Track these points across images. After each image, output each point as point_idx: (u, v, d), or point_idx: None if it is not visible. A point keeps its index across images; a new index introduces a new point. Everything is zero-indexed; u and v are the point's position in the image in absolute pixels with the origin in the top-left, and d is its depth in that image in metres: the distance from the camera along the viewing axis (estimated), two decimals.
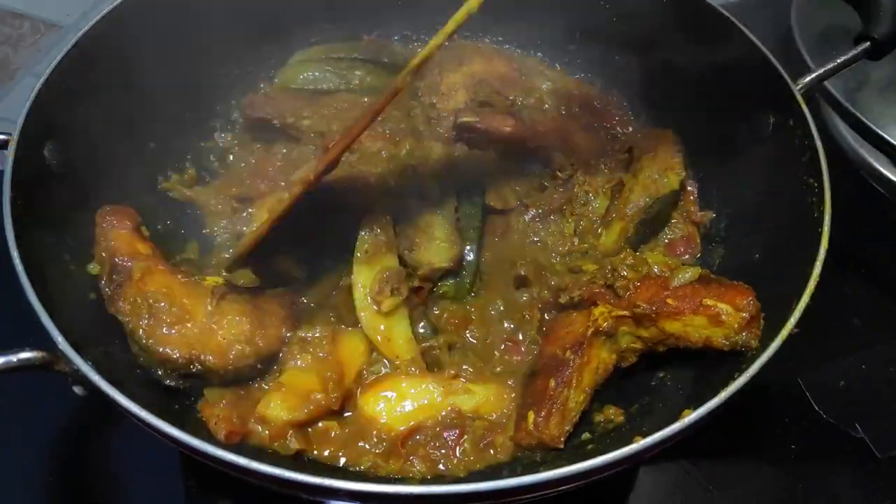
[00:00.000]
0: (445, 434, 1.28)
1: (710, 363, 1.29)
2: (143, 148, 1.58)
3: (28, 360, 1.02)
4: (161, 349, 1.22)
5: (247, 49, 1.77)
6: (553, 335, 1.36)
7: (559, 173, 1.59)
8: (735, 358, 1.21)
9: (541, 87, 1.77)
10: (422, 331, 1.44)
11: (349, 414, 1.32)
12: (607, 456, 0.96)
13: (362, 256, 1.43)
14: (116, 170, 1.49)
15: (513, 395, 1.34)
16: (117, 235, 1.32)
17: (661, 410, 1.27)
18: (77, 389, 1.08)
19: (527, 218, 1.58)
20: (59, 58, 1.37)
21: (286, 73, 1.78)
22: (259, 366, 1.31)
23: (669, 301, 1.26)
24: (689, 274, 1.29)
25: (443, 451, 1.27)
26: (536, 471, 0.96)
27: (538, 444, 1.24)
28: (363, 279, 1.41)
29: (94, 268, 1.33)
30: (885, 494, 1.52)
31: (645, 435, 1.03)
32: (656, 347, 1.30)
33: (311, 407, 1.25)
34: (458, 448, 1.27)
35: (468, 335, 1.45)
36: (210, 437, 1.14)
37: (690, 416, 1.02)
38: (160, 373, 1.26)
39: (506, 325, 1.45)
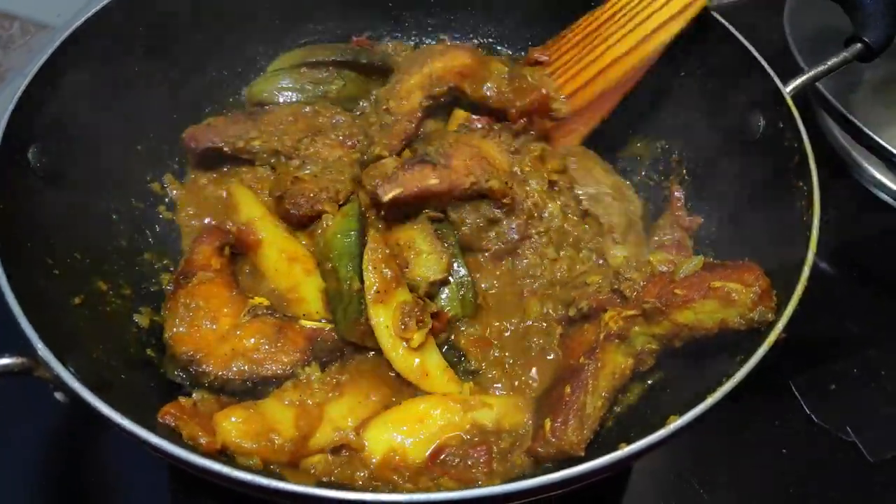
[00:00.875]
0: (473, 452, 1.26)
1: (699, 365, 1.29)
2: (130, 150, 1.57)
3: (7, 366, 1.01)
4: (174, 343, 1.31)
5: (234, 50, 1.76)
6: (570, 349, 1.36)
7: (503, 200, 1.48)
8: (725, 358, 1.20)
9: (500, 74, 1.65)
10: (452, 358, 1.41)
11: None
12: (590, 464, 0.96)
13: (375, 297, 1.35)
14: (102, 172, 1.49)
15: (531, 405, 1.33)
16: (202, 249, 1.44)
17: (650, 415, 1.26)
18: (59, 396, 1.07)
19: (500, 260, 1.52)
20: (41, 61, 1.37)
21: (258, 86, 1.73)
22: (250, 385, 1.31)
23: (677, 291, 1.23)
24: (694, 263, 1.27)
25: (473, 470, 1.24)
26: None
27: (557, 453, 1.22)
28: (384, 319, 1.34)
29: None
30: (877, 499, 1.52)
31: (630, 441, 1.02)
32: (672, 343, 1.28)
33: (261, 444, 1.21)
34: (488, 465, 1.25)
35: (494, 354, 1.43)
36: (191, 446, 1.12)
37: (676, 423, 1.01)
38: (168, 366, 1.33)
39: (527, 343, 1.44)
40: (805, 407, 1.60)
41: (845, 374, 1.66)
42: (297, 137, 1.58)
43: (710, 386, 1.08)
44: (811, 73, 1.46)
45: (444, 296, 1.46)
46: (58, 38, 1.43)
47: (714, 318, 1.22)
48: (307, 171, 1.53)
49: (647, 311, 1.26)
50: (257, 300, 1.40)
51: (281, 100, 1.69)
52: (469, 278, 1.47)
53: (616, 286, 1.31)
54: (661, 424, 1.04)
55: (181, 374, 1.32)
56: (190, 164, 1.65)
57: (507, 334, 1.46)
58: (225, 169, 1.64)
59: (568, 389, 1.25)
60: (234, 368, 1.30)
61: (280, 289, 1.47)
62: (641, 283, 1.29)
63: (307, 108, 1.63)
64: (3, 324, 1.06)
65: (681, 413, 1.02)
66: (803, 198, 1.29)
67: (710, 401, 1.02)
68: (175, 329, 1.32)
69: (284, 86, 1.70)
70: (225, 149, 1.59)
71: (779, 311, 1.14)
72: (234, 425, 1.22)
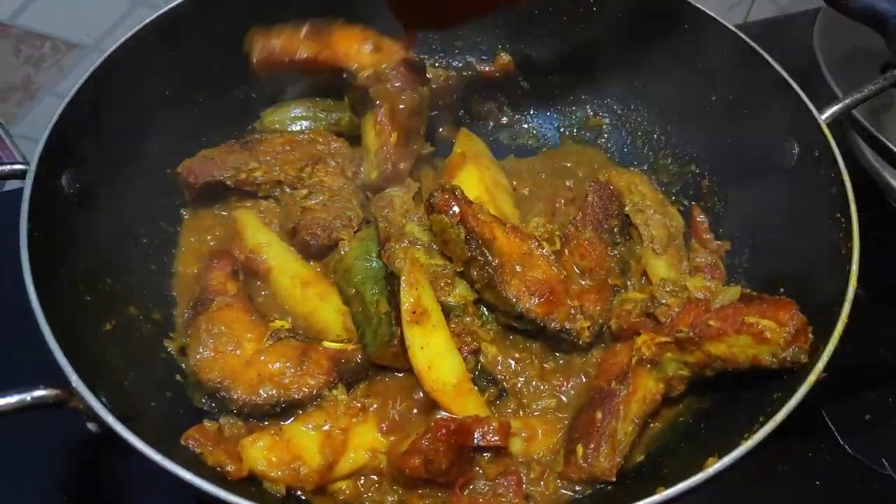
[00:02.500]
0: (503, 481, 1.24)
1: (733, 397, 1.27)
2: (160, 173, 1.58)
3: (42, 398, 1.01)
4: (199, 370, 1.30)
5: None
6: (600, 369, 1.36)
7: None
8: (761, 392, 1.19)
9: None
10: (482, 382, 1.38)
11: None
12: None
13: (411, 318, 1.32)
14: (133, 197, 1.49)
15: (560, 431, 1.32)
16: (215, 275, 1.44)
17: (683, 448, 1.25)
18: (91, 426, 1.07)
19: None
20: (75, 88, 1.37)
21: (271, 115, 1.71)
22: (279, 409, 1.31)
23: (711, 322, 1.22)
24: (730, 294, 1.25)
25: (503, 499, 1.22)
26: None
27: (589, 478, 1.23)
28: (419, 340, 1.31)
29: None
30: None
31: (666, 480, 1.01)
32: (703, 372, 1.26)
33: (287, 473, 1.21)
34: (518, 495, 1.23)
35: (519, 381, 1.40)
36: (222, 478, 1.11)
37: (715, 466, 0.99)
38: (193, 395, 1.33)
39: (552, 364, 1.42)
40: (839, 437, 1.57)
41: (880, 404, 1.62)
42: (298, 167, 1.57)
43: (747, 425, 1.06)
44: (847, 101, 1.43)
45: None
46: (90, 60, 1.44)
47: (747, 353, 1.20)
48: (316, 201, 1.53)
49: (679, 339, 1.24)
50: (278, 323, 1.41)
51: (294, 129, 1.67)
52: None
53: (651, 310, 1.30)
54: (698, 463, 1.03)
55: (208, 400, 1.32)
56: (187, 200, 1.60)
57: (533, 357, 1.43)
58: (223, 204, 1.62)
59: (599, 415, 1.25)
60: (263, 394, 1.30)
61: (297, 313, 1.47)
62: (676, 310, 1.27)
63: (302, 136, 1.62)
64: (35, 352, 1.06)
65: (719, 454, 1.01)
66: (841, 230, 1.26)
67: (749, 443, 1.01)
68: (199, 356, 1.32)
69: (297, 115, 1.69)
70: (227, 182, 1.56)
71: (817, 349, 1.11)
72: (260, 452, 1.22)
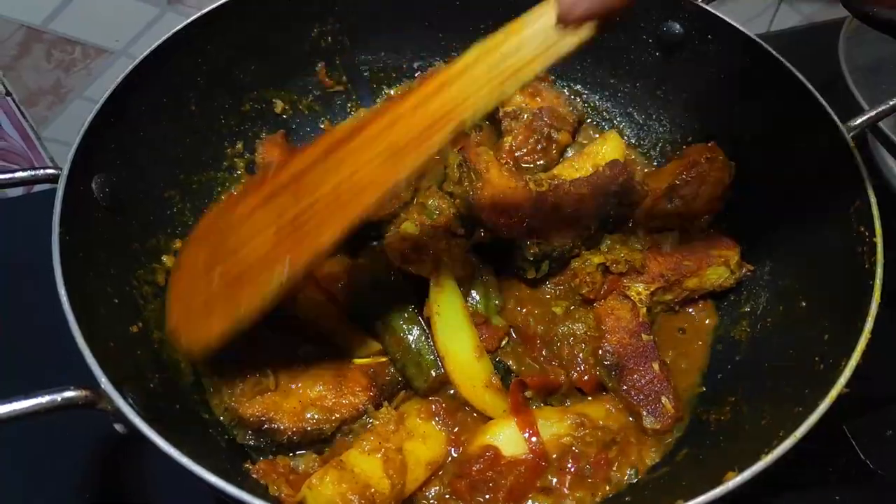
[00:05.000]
0: (591, 460, 1.29)
1: (754, 411, 1.27)
2: (187, 180, 1.61)
3: (72, 398, 1.03)
4: (239, 408, 1.28)
5: (290, 81, 1.79)
6: (604, 330, 1.40)
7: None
8: (777, 409, 1.19)
9: None
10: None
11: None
12: None
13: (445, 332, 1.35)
14: (160, 202, 1.52)
15: (619, 405, 1.37)
16: None
17: (702, 464, 1.24)
18: (119, 427, 1.09)
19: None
20: (107, 93, 1.39)
21: None
22: (330, 433, 1.31)
23: (686, 262, 1.48)
24: (672, 237, 1.52)
25: (590, 479, 1.27)
26: None
27: (672, 426, 1.34)
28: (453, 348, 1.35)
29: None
30: None
31: (685, 493, 1.01)
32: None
33: (363, 502, 1.17)
34: (605, 472, 1.29)
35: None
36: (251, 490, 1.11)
37: (735, 480, 0.99)
38: (236, 433, 1.31)
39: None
40: (860, 452, 1.56)
41: None
42: None
43: (767, 439, 1.06)
44: (873, 113, 1.42)
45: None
46: (119, 65, 1.46)
47: (712, 281, 1.49)
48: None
49: (670, 282, 1.45)
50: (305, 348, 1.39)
51: None
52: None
53: (630, 259, 1.44)
54: (717, 477, 1.03)
55: (253, 435, 1.30)
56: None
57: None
58: None
59: (656, 366, 1.35)
60: (310, 419, 1.28)
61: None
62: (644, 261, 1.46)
63: None
64: (63, 353, 1.08)
65: (739, 468, 1.01)
66: (864, 244, 1.26)
67: (769, 458, 1.01)
68: (232, 398, 1.30)
69: None
70: None
71: (839, 365, 1.11)
72: (331, 488, 1.17)
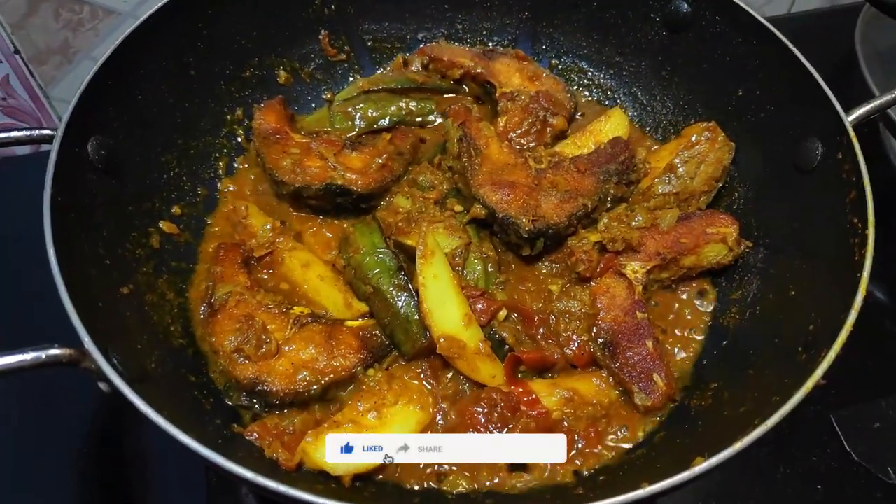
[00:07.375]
0: (582, 433, 1.31)
1: (734, 399, 1.27)
2: (184, 145, 1.61)
3: (56, 356, 1.05)
4: (232, 370, 1.30)
5: (290, 47, 1.78)
6: (599, 307, 1.40)
7: None
8: (757, 396, 1.19)
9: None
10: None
11: None
12: (607, 501, 0.95)
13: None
14: (157, 166, 1.53)
15: (609, 379, 1.38)
16: (226, 268, 1.44)
17: (678, 447, 1.25)
18: (103, 386, 1.11)
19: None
20: (108, 52, 1.39)
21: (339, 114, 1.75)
22: (321, 393, 1.32)
23: (683, 241, 1.45)
24: (671, 215, 1.47)
25: (586, 450, 1.30)
26: None
27: (664, 404, 1.33)
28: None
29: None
30: None
31: (657, 476, 1.01)
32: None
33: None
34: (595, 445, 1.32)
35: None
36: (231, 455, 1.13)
37: (701, 466, 0.99)
38: (231, 393, 1.34)
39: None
40: (845, 443, 1.56)
41: (890, 412, 1.59)
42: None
43: (743, 426, 1.06)
44: (882, 100, 1.38)
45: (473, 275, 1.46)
46: (126, 27, 1.46)
47: (709, 258, 1.47)
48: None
49: (667, 260, 1.44)
50: (297, 310, 1.41)
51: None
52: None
53: (627, 236, 1.42)
54: (687, 461, 1.04)
55: (247, 397, 1.33)
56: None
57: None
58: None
59: (650, 344, 1.35)
60: (302, 381, 1.30)
61: (310, 298, 1.49)
62: (641, 238, 1.43)
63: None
64: (55, 313, 1.10)
65: (708, 455, 1.01)
66: (856, 235, 1.24)
67: (738, 445, 1.00)
68: (226, 362, 1.32)
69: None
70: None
71: (819, 356, 1.10)
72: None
